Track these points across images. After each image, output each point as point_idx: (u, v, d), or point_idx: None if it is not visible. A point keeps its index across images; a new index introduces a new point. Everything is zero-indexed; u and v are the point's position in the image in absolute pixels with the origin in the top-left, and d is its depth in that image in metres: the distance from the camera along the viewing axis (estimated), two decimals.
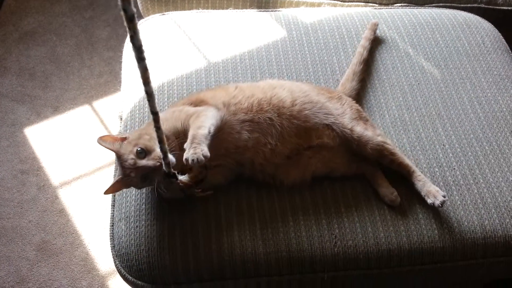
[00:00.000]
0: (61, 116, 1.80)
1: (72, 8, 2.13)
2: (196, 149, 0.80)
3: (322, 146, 0.99)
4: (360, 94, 1.18)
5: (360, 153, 1.01)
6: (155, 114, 0.68)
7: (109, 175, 1.64)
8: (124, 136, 0.92)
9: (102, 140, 0.90)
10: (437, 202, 0.94)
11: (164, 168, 0.81)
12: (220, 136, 0.92)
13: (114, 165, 1.14)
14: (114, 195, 1.05)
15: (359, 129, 1.01)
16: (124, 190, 1.03)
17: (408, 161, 1.02)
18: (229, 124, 0.94)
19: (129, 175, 0.88)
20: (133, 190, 1.02)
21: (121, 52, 1.41)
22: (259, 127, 0.94)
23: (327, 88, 1.14)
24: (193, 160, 0.79)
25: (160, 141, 0.73)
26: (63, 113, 1.81)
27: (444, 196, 0.95)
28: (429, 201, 0.96)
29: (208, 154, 0.80)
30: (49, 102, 1.84)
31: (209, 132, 0.87)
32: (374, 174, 1.02)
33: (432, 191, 0.96)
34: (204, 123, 0.88)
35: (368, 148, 1.00)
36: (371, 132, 1.02)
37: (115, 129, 1.72)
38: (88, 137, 1.75)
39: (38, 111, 1.81)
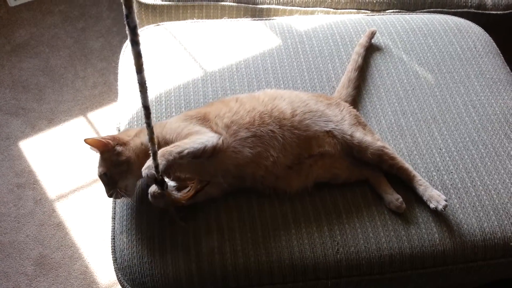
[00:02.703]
0: (56, 129, 1.79)
1: (64, 20, 2.13)
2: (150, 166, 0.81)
3: (323, 154, 1.00)
4: (356, 101, 1.20)
5: (361, 158, 1.02)
6: (146, 108, 0.66)
7: None
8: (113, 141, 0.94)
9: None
10: (440, 207, 0.96)
11: (153, 171, 0.79)
12: (220, 157, 0.93)
13: None
14: (115, 208, 1.05)
15: (359, 134, 1.02)
16: (125, 202, 1.03)
17: (407, 165, 1.03)
18: (230, 146, 0.94)
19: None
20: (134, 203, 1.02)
21: (115, 62, 1.41)
22: (261, 141, 0.95)
23: (325, 95, 1.15)
24: (145, 175, 0.81)
25: (150, 140, 0.71)
26: (58, 125, 1.80)
27: (446, 200, 0.97)
28: (432, 205, 0.97)
29: (154, 173, 0.80)
30: (44, 114, 1.82)
31: (181, 152, 0.86)
32: (379, 180, 1.03)
33: (434, 196, 0.98)
34: (184, 144, 0.88)
35: (369, 153, 1.01)
36: (371, 137, 1.03)
37: None
38: (84, 149, 1.73)
39: (33, 124, 1.79)
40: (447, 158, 1.10)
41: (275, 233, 0.98)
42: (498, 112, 1.19)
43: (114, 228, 1.02)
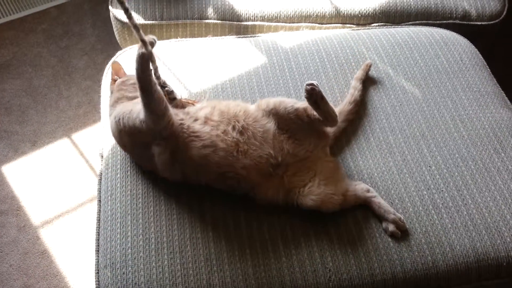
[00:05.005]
0: (39, 151, 1.74)
1: (47, 38, 2.09)
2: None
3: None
4: (343, 133, 1.14)
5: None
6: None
7: (92, 212, 1.59)
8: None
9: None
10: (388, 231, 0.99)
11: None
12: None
13: (96, 201, 1.10)
14: (98, 240, 1.01)
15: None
16: (108, 234, 0.99)
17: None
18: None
19: None
20: (117, 234, 0.99)
21: (100, 81, 1.38)
22: (223, 116, 0.98)
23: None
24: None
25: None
26: (41, 148, 1.75)
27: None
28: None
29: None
30: (27, 137, 1.78)
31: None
32: (374, 202, 1.01)
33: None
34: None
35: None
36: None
37: (97, 166, 1.67)
38: (69, 172, 1.69)
39: (16, 147, 1.75)
40: (437, 176, 1.08)
41: (265, 261, 0.95)
42: (487, 126, 1.18)
43: (97, 262, 0.98)
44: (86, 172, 1.70)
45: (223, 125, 0.96)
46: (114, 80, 1.13)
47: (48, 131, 1.80)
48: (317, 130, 1.04)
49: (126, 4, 0.85)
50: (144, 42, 0.87)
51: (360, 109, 1.20)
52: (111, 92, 1.12)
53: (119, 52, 1.35)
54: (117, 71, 1.13)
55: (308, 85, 0.95)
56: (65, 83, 1.94)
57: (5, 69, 1.97)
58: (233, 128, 0.96)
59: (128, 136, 0.99)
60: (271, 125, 1.00)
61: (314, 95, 0.96)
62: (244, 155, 0.94)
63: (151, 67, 0.92)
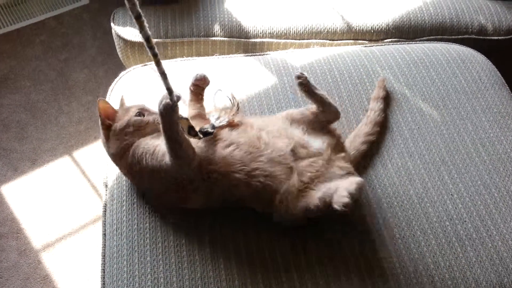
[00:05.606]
0: (40, 170, 1.69)
1: (46, 51, 2.03)
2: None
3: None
4: (363, 157, 1.09)
5: None
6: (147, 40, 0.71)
7: (95, 234, 1.54)
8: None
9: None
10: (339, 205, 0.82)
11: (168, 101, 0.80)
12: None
13: (100, 222, 1.05)
14: (104, 278, 0.96)
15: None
16: (115, 273, 0.94)
17: None
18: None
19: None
20: (124, 273, 0.93)
21: (101, 95, 1.32)
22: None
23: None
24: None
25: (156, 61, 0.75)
26: (42, 167, 1.70)
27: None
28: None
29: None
30: (26, 155, 1.72)
31: None
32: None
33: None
34: None
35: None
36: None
37: (99, 185, 1.62)
38: (70, 192, 1.64)
39: (15, 166, 1.69)
40: (460, 205, 1.03)
41: None
42: (509, 150, 1.13)
43: None
44: (89, 192, 1.64)
45: (243, 127, 0.97)
46: (106, 126, 0.94)
47: (48, 148, 1.74)
48: (326, 129, 1.03)
49: (156, 50, 0.73)
50: (170, 91, 0.78)
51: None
52: (107, 140, 0.95)
53: (122, 73, 1.29)
54: (106, 112, 0.95)
55: (296, 73, 1.00)
56: (65, 98, 1.89)
57: (2, 83, 1.91)
58: (251, 128, 0.97)
59: (149, 172, 0.91)
60: (282, 123, 1.01)
61: (304, 80, 0.99)
62: (267, 146, 0.93)
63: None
